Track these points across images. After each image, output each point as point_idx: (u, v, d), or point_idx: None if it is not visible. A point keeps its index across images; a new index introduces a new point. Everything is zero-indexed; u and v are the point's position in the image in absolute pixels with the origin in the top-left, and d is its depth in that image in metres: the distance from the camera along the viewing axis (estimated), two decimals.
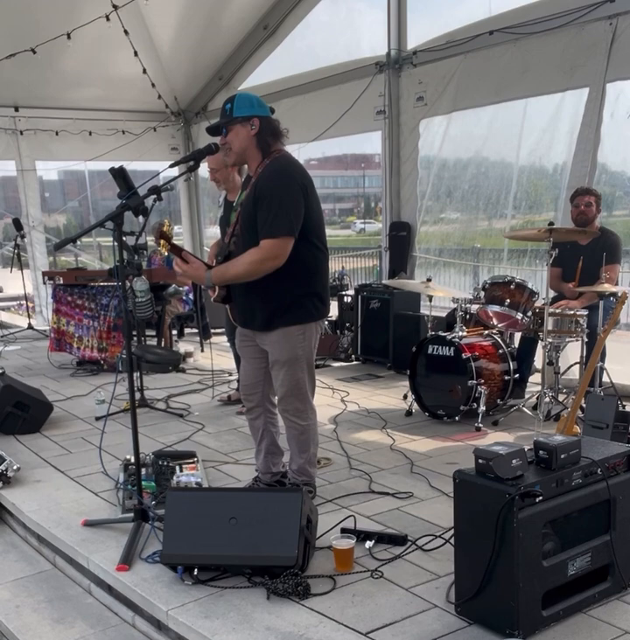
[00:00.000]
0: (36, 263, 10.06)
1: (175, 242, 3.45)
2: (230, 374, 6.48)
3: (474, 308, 5.45)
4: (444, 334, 5.21)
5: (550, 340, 4.85)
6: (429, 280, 5.42)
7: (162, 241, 3.33)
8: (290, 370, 3.45)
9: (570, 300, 5.19)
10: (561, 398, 5.07)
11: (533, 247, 6.70)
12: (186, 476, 3.78)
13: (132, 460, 3.62)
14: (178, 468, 3.97)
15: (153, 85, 9.23)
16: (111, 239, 3.40)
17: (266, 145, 3.36)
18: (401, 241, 7.82)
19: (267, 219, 3.24)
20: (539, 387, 4.91)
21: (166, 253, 3.29)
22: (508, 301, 5.08)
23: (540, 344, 5.08)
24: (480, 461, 2.50)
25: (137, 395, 4.95)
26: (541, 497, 2.44)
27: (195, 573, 2.89)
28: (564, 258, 5.14)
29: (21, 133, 9.65)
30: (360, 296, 7.15)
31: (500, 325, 5.23)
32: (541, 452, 2.56)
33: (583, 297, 5.13)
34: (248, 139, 3.34)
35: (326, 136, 8.18)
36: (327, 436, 4.80)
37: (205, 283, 3.37)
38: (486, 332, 5.27)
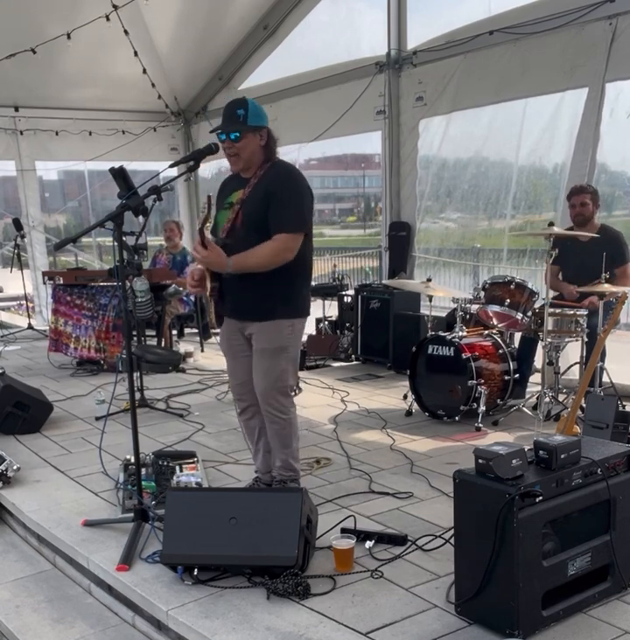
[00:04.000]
0: (36, 263, 10.06)
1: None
2: None
3: (474, 308, 5.45)
4: (444, 334, 5.20)
5: (550, 340, 4.85)
6: (429, 280, 5.42)
7: (207, 213, 3.29)
8: (276, 359, 3.46)
9: (569, 301, 5.14)
10: (561, 398, 5.07)
11: (532, 247, 6.70)
12: (186, 476, 3.79)
13: (132, 460, 3.62)
14: (178, 468, 3.97)
15: (153, 85, 9.22)
16: (111, 239, 3.40)
17: (270, 154, 3.47)
18: (400, 241, 7.82)
19: (283, 214, 3.33)
20: (539, 387, 4.91)
21: (206, 225, 3.25)
22: (508, 301, 5.09)
23: (540, 344, 5.08)
24: (480, 461, 2.50)
25: (137, 395, 4.95)
26: (541, 497, 2.44)
27: (195, 573, 2.90)
28: (564, 255, 5.10)
29: (21, 133, 9.65)
30: (360, 296, 7.14)
31: (500, 325, 5.23)
32: (541, 452, 2.56)
33: (585, 300, 5.06)
34: (257, 148, 3.42)
35: (326, 136, 8.17)
36: (327, 436, 4.80)
37: (225, 269, 3.34)
38: (486, 332, 5.27)
